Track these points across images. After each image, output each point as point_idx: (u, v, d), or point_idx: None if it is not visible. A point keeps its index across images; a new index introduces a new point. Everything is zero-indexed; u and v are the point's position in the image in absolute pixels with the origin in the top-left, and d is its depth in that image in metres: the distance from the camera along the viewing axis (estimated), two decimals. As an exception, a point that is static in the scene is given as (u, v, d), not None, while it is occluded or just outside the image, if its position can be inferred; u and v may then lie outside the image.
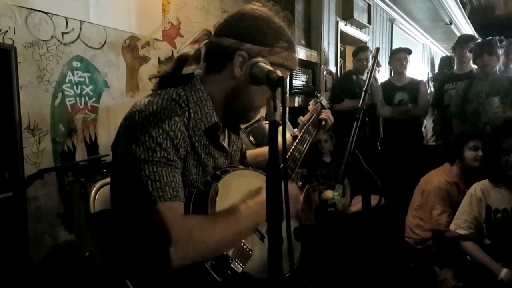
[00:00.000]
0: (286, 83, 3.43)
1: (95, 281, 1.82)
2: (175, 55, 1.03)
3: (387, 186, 2.88)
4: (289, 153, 1.21)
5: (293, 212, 1.06)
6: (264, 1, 1.05)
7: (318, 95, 1.43)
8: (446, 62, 5.22)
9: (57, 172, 2.01)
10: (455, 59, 3.45)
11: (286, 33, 1.01)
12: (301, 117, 1.35)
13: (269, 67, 0.77)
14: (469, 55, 3.14)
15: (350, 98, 3.55)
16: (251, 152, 1.33)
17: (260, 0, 1.05)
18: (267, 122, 0.71)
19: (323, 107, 1.37)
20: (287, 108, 3.27)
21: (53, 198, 2.01)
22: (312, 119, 1.32)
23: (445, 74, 4.12)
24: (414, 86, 3.44)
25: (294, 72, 3.53)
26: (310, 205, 2.40)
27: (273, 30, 0.98)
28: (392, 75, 3.68)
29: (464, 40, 3.29)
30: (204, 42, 0.99)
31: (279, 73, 0.74)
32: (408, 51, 3.53)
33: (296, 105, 3.61)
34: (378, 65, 4.24)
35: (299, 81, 3.67)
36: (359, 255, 1.30)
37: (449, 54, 5.78)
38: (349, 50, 4.82)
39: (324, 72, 3.97)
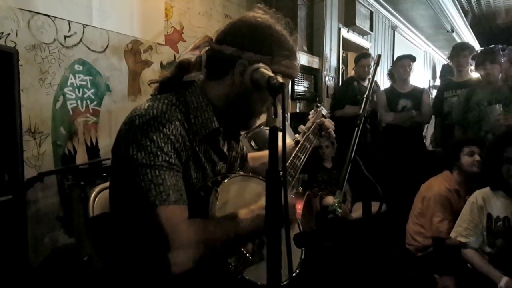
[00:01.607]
0: (288, 89, 3.44)
1: (93, 285, 1.81)
2: (178, 59, 1.04)
3: (388, 193, 2.88)
4: (289, 160, 1.21)
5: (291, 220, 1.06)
6: (266, 8, 1.05)
7: (319, 104, 1.43)
8: (447, 69, 5.24)
9: (57, 175, 2.01)
10: (454, 68, 3.46)
11: (288, 41, 1.00)
12: (301, 126, 1.36)
13: (270, 73, 0.77)
14: (467, 62, 3.16)
15: (352, 105, 3.55)
16: (253, 155, 1.33)
17: (262, 8, 1.05)
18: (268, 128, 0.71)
19: (323, 116, 1.38)
20: (289, 114, 3.30)
21: (53, 201, 2.01)
22: (312, 127, 1.33)
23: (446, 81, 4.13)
24: (417, 94, 3.46)
25: (296, 78, 3.54)
26: (311, 211, 2.39)
27: (274, 39, 0.98)
28: (396, 81, 3.69)
29: (459, 48, 3.31)
30: (205, 49, 1.00)
31: (280, 79, 0.74)
32: (413, 59, 3.53)
33: (297, 110, 3.61)
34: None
35: (301, 87, 3.67)
36: (359, 262, 1.29)
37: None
38: (351, 56, 4.84)
39: (326, 78, 3.97)
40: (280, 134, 0.71)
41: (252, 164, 1.29)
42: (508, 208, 1.86)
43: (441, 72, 5.60)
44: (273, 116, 0.70)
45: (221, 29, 1.03)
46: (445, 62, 7.60)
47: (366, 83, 3.71)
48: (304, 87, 3.72)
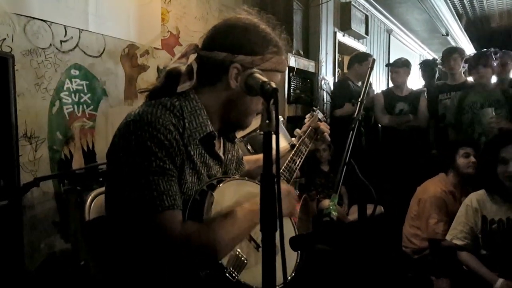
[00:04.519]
0: (285, 92, 3.45)
1: (89, 290, 1.80)
2: (166, 68, 1.04)
3: (385, 195, 2.89)
4: (285, 164, 1.22)
5: (288, 211, 1.07)
6: (249, 8, 1.07)
7: (314, 108, 1.44)
8: (443, 72, 5.26)
9: (54, 180, 2.00)
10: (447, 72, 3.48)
11: (273, 38, 1.02)
12: (297, 129, 1.36)
13: (264, 78, 0.78)
14: (459, 65, 3.20)
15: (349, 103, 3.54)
16: (249, 158, 1.34)
17: (244, 9, 1.07)
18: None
19: (319, 120, 1.39)
20: (286, 117, 3.31)
21: (49, 206, 2.00)
22: (308, 131, 1.34)
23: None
24: (415, 97, 3.46)
25: (292, 82, 3.55)
26: (308, 214, 2.39)
27: (261, 38, 1.00)
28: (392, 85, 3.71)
29: (449, 52, 3.33)
30: (194, 57, 1.01)
31: (273, 84, 0.75)
32: (406, 64, 3.51)
33: (293, 114, 3.62)
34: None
35: (297, 90, 3.69)
36: (356, 265, 1.30)
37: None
38: (347, 60, 4.86)
39: (322, 82, 3.99)
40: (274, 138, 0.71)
41: (248, 167, 1.29)
42: (503, 211, 1.87)
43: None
44: (267, 121, 0.71)
45: (206, 35, 1.04)
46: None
47: (359, 84, 3.73)
48: (300, 90, 3.74)
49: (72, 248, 2.05)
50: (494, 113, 2.62)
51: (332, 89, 4.10)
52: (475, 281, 1.81)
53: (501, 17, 7.46)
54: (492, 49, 2.91)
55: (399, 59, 3.62)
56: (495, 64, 2.85)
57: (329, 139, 1.35)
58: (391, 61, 4.06)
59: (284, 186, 1.09)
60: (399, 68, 3.49)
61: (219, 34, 1.01)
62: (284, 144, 1.39)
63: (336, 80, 4.28)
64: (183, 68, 1.01)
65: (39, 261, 1.94)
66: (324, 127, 1.35)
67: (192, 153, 0.95)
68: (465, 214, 1.94)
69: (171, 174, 0.88)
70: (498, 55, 2.94)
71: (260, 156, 1.36)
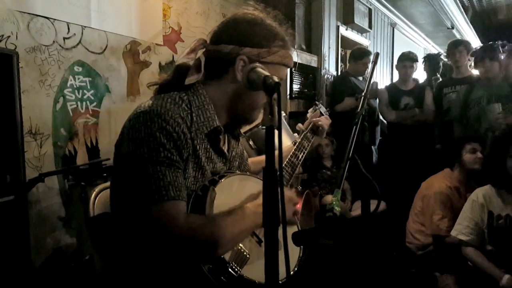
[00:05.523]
0: (287, 87, 3.43)
1: (94, 285, 1.82)
2: (176, 60, 1.05)
3: (389, 191, 2.88)
4: (287, 159, 1.21)
5: (289, 216, 1.07)
6: (255, 4, 1.08)
7: (317, 102, 1.44)
8: (448, 67, 5.22)
9: (58, 176, 2.02)
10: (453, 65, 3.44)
11: (280, 32, 1.04)
12: (299, 124, 1.36)
13: (266, 73, 0.78)
14: (464, 58, 3.15)
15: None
16: (254, 160, 1.35)
17: (251, 4, 1.08)
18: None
19: (321, 114, 1.38)
20: (288, 113, 3.30)
21: (54, 202, 2.02)
22: (310, 125, 1.34)
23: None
24: (420, 91, 3.43)
25: (294, 77, 3.53)
26: (310, 209, 2.40)
27: (268, 31, 1.01)
28: (398, 79, 3.67)
29: (454, 45, 3.28)
30: (202, 51, 1.01)
31: (276, 78, 0.75)
32: (412, 60, 3.46)
33: (295, 109, 3.60)
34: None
35: (300, 85, 3.67)
36: (359, 260, 1.30)
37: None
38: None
39: (325, 77, 3.97)
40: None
41: (253, 168, 1.30)
42: (509, 206, 1.86)
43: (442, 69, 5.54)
44: (269, 116, 0.70)
45: (214, 30, 1.06)
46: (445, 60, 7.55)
47: (360, 79, 3.70)
48: (303, 85, 3.72)
49: (78, 243, 2.07)
50: (501, 109, 2.59)
51: (332, 83, 4.05)
52: (481, 277, 1.80)
53: (508, 9, 7.34)
54: (500, 42, 2.86)
55: (407, 52, 3.58)
56: (502, 57, 2.80)
57: (325, 129, 1.35)
58: (395, 55, 4.03)
59: (286, 192, 1.09)
60: (405, 62, 3.46)
61: (226, 28, 1.03)
62: (287, 142, 1.39)
63: (337, 75, 4.23)
64: (191, 63, 1.02)
65: (45, 256, 1.96)
66: (324, 120, 1.35)
67: (198, 147, 0.96)
68: (470, 210, 1.93)
69: (178, 166, 0.89)
70: (506, 48, 2.88)
71: (262, 157, 1.36)
